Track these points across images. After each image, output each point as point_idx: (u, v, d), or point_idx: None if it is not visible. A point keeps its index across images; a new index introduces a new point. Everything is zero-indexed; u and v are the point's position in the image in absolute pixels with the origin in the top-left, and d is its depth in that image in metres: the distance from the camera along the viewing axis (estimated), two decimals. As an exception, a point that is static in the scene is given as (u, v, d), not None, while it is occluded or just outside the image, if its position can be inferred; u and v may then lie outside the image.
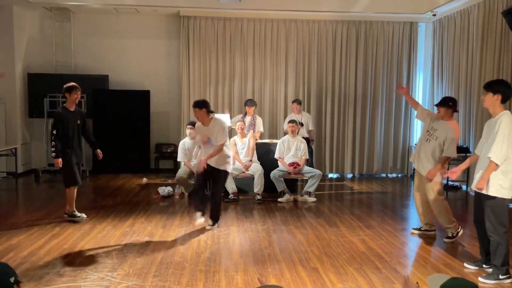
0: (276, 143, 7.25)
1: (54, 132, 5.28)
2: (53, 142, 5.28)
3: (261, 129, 7.98)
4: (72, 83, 5.49)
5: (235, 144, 7.07)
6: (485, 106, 3.94)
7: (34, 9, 8.93)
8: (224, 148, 5.21)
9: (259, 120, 7.90)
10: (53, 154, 5.29)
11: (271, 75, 9.41)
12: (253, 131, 7.57)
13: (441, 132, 4.79)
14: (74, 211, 5.51)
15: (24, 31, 9.00)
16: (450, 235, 4.89)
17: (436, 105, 5.01)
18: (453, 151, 4.74)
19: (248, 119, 7.63)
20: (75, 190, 5.53)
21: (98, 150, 5.69)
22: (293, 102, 8.42)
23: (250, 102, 7.88)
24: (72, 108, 5.45)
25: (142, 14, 9.30)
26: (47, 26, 9.24)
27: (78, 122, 5.49)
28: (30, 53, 9.15)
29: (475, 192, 3.99)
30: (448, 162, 4.99)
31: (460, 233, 4.89)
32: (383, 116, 9.58)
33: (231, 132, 7.92)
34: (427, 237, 5.07)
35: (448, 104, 4.83)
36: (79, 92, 5.51)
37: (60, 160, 5.31)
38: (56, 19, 9.19)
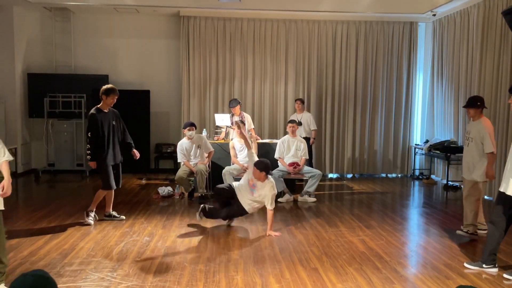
0: (276, 143, 7.25)
1: (89, 134, 5.25)
2: (88, 145, 5.27)
3: (252, 126, 7.97)
4: (111, 86, 5.36)
5: (234, 147, 7.07)
6: None
7: (34, 9, 8.93)
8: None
9: (248, 118, 7.88)
10: (88, 157, 5.29)
11: (271, 75, 9.40)
12: (245, 128, 7.54)
13: (474, 132, 4.89)
14: (91, 212, 5.44)
15: (24, 31, 9.00)
16: (465, 230, 5.00)
17: (465, 106, 5.07)
18: (489, 146, 4.76)
19: (236, 118, 7.61)
20: (104, 194, 5.48)
21: (134, 150, 5.66)
22: (295, 100, 8.56)
23: (233, 103, 7.75)
24: (106, 110, 5.38)
25: (142, 14, 9.30)
26: (47, 26, 9.24)
27: (114, 123, 5.41)
28: (30, 53, 9.15)
29: (500, 192, 3.98)
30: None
31: (475, 236, 4.97)
32: (383, 116, 9.58)
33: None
34: (431, 236, 5.08)
35: (476, 104, 4.90)
36: (116, 97, 5.38)
37: (95, 163, 5.31)
38: (56, 19, 9.18)
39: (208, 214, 5.34)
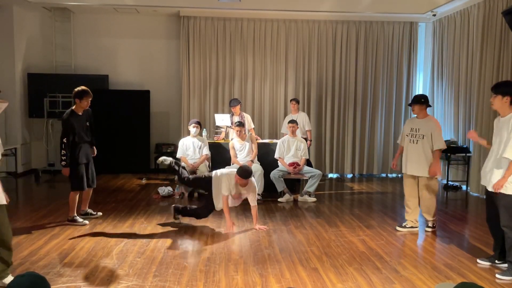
0: (276, 143, 7.26)
1: (64, 140, 5.15)
2: (62, 151, 5.16)
3: (252, 126, 7.99)
4: (83, 88, 5.26)
5: (233, 147, 7.06)
6: (494, 108, 3.99)
7: (34, 9, 8.93)
8: None
9: (248, 118, 7.89)
10: (63, 163, 5.19)
11: (271, 75, 9.40)
12: (245, 128, 7.55)
13: (425, 129, 5.06)
14: (75, 216, 5.38)
15: (24, 31, 9.00)
16: (431, 225, 5.31)
17: (409, 104, 5.29)
18: (443, 143, 5.05)
19: (236, 118, 7.62)
20: (77, 196, 5.39)
21: (93, 148, 5.64)
22: (290, 101, 8.47)
23: (233, 102, 7.76)
24: (80, 112, 5.31)
25: (142, 14, 9.30)
26: (47, 26, 9.24)
27: (87, 124, 5.40)
28: (30, 53, 9.15)
29: (487, 190, 4.04)
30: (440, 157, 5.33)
31: (434, 228, 5.35)
32: (383, 116, 9.58)
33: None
34: (431, 237, 5.08)
35: (420, 101, 5.10)
36: (90, 99, 5.32)
37: (68, 169, 5.23)
38: (56, 19, 9.19)
39: (182, 212, 5.48)
